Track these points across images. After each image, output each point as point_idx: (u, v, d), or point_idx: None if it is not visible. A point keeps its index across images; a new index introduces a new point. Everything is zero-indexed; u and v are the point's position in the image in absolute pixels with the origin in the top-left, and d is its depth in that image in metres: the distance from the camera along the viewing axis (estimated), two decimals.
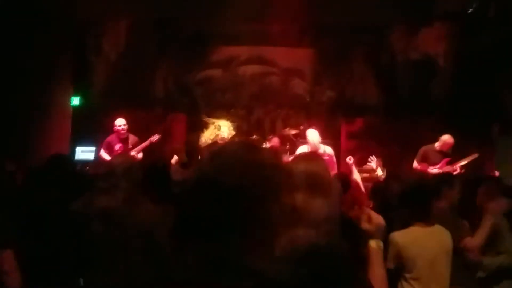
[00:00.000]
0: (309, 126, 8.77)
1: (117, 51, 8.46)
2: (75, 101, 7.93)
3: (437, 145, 6.75)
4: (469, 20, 7.07)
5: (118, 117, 6.94)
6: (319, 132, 8.63)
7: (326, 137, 8.63)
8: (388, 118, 8.66)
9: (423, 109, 8.23)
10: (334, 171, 6.96)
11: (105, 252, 2.57)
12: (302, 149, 6.74)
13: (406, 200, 2.94)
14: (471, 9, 6.69)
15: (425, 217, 2.82)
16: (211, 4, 7.84)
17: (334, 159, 6.72)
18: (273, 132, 8.95)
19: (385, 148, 8.38)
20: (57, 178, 3.15)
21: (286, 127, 8.69)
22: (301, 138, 8.24)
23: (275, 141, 7.50)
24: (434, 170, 6.58)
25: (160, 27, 8.64)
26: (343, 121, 8.92)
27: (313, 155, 2.41)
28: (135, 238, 2.56)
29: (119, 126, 6.87)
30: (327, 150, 6.62)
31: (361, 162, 8.34)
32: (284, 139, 7.99)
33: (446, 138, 6.65)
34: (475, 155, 6.53)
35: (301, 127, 8.53)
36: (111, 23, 8.32)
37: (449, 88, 8.03)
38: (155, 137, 7.04)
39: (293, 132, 8.31)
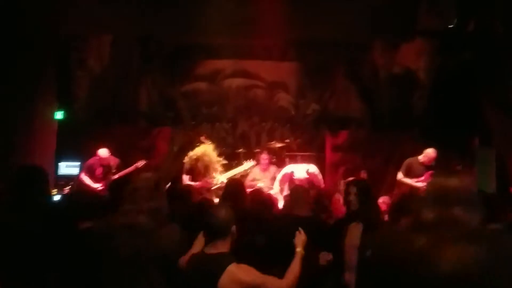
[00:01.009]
0: (295, 140, 8.91)
1: (101, 65, 8.43)
2: (59, 115, 7.85)
3: (420, 157, 6.90)
4: (449, 36, 7.26)
5: (101, 144, 6.94)
6: (304, 145, 8.84)
7: (311, 150, 8.75)
8: (372, 131, 8.80)
9: (405, 122, 8.39)
10: (321, 186, 7.07)
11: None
12: (286, 169, 6.88)
13: None
14: (450, 26, 6.87)
15: None
16: (196, 19, 7.89)
17: (319, 176, 6.83)
18: (259, 145, 9.00)
19: (369, 160, 8.51)
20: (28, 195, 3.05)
21: (271, 140, 8.75)
22: (287, 151, 8.33)
23: (264, 156, 7.52)
24: (418, 183, 6.72)
25: (144, 41, 8.66)
26: (327, 134, 9.02)
27: None
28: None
29: (102, 155, 6.89)
30: (310, 169, 6.73)
31: (345, 175, 8.46)
32: (270, 152, 8.05)
33: (430, 151, 6.81)
34: (458, 168, 6.69)
35: (287, 140, 8.62)
36: (95, 38, 8.30)
37: (430, 102, 8.21)
38: (141, 163, 7.05)
39: (279, 145, 8.37)
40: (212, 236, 2.56)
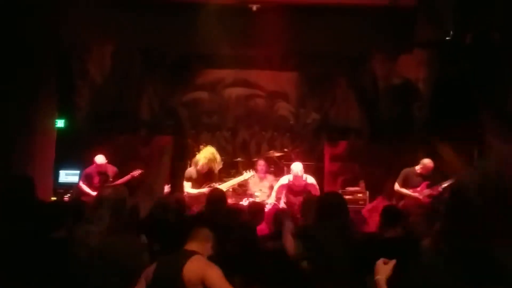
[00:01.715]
0: (294, 149, 8.94)
1: (102, 74, 8.53)
2: (60, 123, 7.95)
3: (417, 168, 6.91)
4: (447, 47, 7.28)
5: (99, 152, 7.03)
6: (303, 155, 8.85)
7: (310, 160, 8.78)
8: (371, 141, 8.82)
9: (404, 132, 8.40)
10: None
11: (85, 280, 2.60)
12: (284, 180, 6.88)
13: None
14: (448, 37, 6.90)
15: None
16: (197, 29, 7.97)
17: (317, 186, 6.84)
18: (258, 154, 9.04)
19: (368, 170, 8.52)
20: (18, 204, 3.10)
21: (271, 149, 8.80)
22: (286, 160, 8.36)
23: (261, 164, 7.58)
24: (415, 194, 6.73)
25: (146, 51, 8.74)
26: (327, 143, 9.05)
27: None
28: (114, 269, 2.59)
29: (99, 163, 6.97)
30: (309, 180, 6.75)
31: (344, 184, 8.48)
32: (269, 161, 8.09)
33: (427, 162, 6.82)
34: (455, 180, 6.66)
35: (286, 150, 8.66)
36: (96, 47, 8.40)
37: (429, 112, 8.22)
38: (137, 172, 7.12)
39: (277, 154, 8.41)
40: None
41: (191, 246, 2.69)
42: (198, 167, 6.71)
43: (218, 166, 6.93)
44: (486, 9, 6.61)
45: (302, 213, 4.62)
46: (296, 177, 6.60)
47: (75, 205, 3.81)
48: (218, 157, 6.96)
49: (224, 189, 6.79)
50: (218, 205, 4.08)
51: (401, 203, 6.91)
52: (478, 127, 7.78)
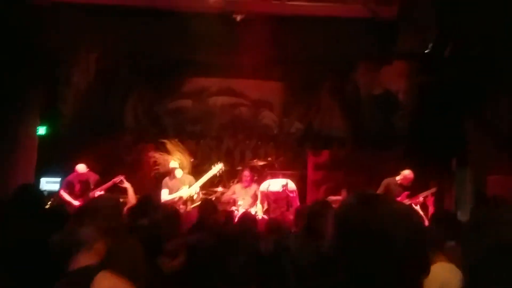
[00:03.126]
0: (277, 158, 9.00)
1: (86, 81, 8.50)
2: (41, 130, 7.90)
3: (398, 178, 7.01)
4: (428, 58, 7.42)
5: (80, 160, 7.04)
6: (287, 163, 8.92)
7: (294, 168, 8.84)
8: (354, 150, 8.91)
9: (387, 141, 8.51)
10: (295, 204, 7.15)
11: None
12: (265, 184, 6.97)
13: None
14: (429, 49, 7.04)
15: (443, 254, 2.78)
16: (182, 36, 8.01)
17: (295, 193, 6.93)
18: (242, 162, 9.07)
19: (350, 179, 8.59)
20: (25, 210, 3.14)
21: (255, 158, 8.84)
22: (269, 169, 8.41)
23: (245, 174, 7.62)
24: None
25: (131, 59, 8.75)
26: (310, 152, 9.12)
27: None
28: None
29: (80, 171, 6.97)
30: (289, 185, 6.83)
31: (327, 193, 8.55)
32: (253, 170, 8.12)
33: (407, 173, 6.92)
34: (433, 190, 6.79)
35: (269, 159, 8.71)
36: (81, 53, 8.38)
37: (410, 122, 8.35)
38: (118, 178, 7.12)
39: (261, 163, 8.45)
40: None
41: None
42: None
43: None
44: (465, 22, 6.76)
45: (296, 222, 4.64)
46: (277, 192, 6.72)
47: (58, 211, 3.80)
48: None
49: (197, 189, 6.99)
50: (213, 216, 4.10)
51: None
52: (458, 137, 7.94)
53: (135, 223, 3.49)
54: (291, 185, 6.85)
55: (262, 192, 6.95)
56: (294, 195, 6.83)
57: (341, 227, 1.27)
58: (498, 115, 7.11)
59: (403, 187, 6.95)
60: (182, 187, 7.18)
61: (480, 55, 7.12)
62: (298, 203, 6.76)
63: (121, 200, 5.78)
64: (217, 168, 7.48)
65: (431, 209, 6.42)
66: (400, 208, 1.26)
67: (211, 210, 4.42)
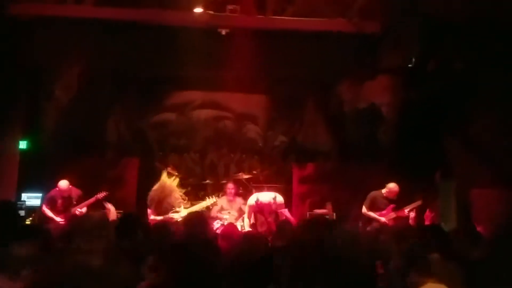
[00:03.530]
0: (262, 171, 8.99)
1: (69, 95, 8.37)
2: (23, 145, 7.73)
3: (384, 191, 7.07)
4: (410, 73, 7.56)
5: (63, 175, 6.91)
6: (271, 177, 8.91)
7: (279, 182, 8.83)
8: (339, 163, 8.95)
9: (371, 155, 8.58)
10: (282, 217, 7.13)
11: None
12: (251, 200, 6.94)
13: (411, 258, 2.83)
14: (411, 64, 7.17)
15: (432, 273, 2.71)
16: (166, 50, 7.98)
17: (283, 205, 6.92)
18: (227, 176, 9.03)
19: (335, 192, 8.63)
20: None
21: (239, 171, 8.80)
22: (254, 182, 8.38)
23: (230, 187, 7.58)
24: (381, 217, 6.87)
25: (114, 72, 8.66)
26: (295, 165, 9.13)
27: None
28: None
29: (62, 188, 6.84)
30: (277, 199, 6.81)
31: (312, 206, 8.57)
32: (237, 183, 8.09)
33: (392, 186, 6.99)
34: (419, 202, 6.88)
35: (254, 172, 8.69)
36: (64, 68, 8.26)
37: (394, 136, 8.44)
38: (101, 194, 7.02)
39: (246, 176, 8.42)
40: None
41: None
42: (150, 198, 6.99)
43: (175, 197, 7.11)
44: (447, 38, 6.91)
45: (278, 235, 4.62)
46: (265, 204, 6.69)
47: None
48: (174, 188, 7.17)
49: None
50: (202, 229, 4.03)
51: (360, 224, 7.04)
52: (441, 151, 8.06)
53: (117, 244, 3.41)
54: (280, 199, 6.83)
55: (250, 206, 6.90)
56: (284, 208, 6.81)
57: (295, 248, 1.30)
58: (480, 128, 7.24)
59: (388, 200, 7.01)
60: (172, 208, 6.99)
61: (462, 70, 7.29)
62: (288, 216, 6.74)
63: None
64: (211, 201, 7.39)
65: (411, 222, 6.51)
66: (348, 231, 1.28)
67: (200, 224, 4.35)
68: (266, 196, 6.82)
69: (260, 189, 8.24)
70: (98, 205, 7.04)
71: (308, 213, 8.21)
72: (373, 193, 7.15)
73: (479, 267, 3.20)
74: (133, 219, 4.39)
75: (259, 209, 6.86)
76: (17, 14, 6.99)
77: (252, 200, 6.94)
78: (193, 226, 4.30)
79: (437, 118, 7.95)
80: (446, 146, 7.91)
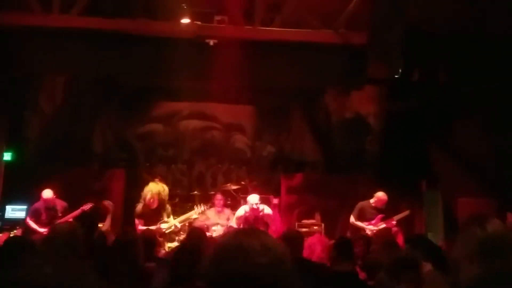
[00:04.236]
0: (250, 181, 8.96)
1: (53, 105, 8.28)
2: (7, 156, 7.61)
3: (372, 201, 7.09)
4: (396, 83, 7.64)
5: (47, 186, 6.79)
6: (260, 187, 8.88)
7: (267, 192, 8.81)
8: (326, 173, 8.99)
9: (358, 165, 8.63)
10: (274, 227, 7.12)
11: None
12: (240, 211, 6.90)
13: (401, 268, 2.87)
14: (397, 75, 7.24)
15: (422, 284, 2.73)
16: (153, 61, 7.94)
17: (273, 216, 6.90)
18: (215, 187, 8.99)
19: (323, 202, 8.64)
20: None
21: (227, 182, 8.77)
22: (243, 193, 8.35)
23: (218, 198, 7.54)
24: (369, 226, 6.88)
25: (100, 82, 8.59)
26: (283, 175, 9.13)
27: None
28: None
29: (46, 197, 6.72)
30: (266, 210, 6.81)
31: (300, 217, 8.56)
32: (226, 194, 8.05)
33: (380, 195, 7.02)
34: (407, 212, 6.91)
35: (242, 182, 8.66)
36: (48, 77, 8.18)
37: (380, 146, 8.52)
38: (87, 206, 6.92)
39: (234, 187, 8.40)
40: None
41: None
42: (146, 201, 6.69)
43: (166, 198, 6.97)
44: (432, 49, 7.01)
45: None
46: (252, 209, 6.65)
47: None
48: (166, 189, 6.95)
49: (178, 224, 6.81)
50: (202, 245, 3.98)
51: (348, 234, 7.04)
52: (427, 160, 8.15)
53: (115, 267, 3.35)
54: (268, 211, 6.83)
55: (238, 218, 6.87)
56: (271, 215, 6.82)
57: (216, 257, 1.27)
58: (465, 138, 7.34)
59: (377, 209, 7.03)
60: (160, 218, 6.89)
61: (446, 81, 7.40)
62: (277, 224, 6.74)
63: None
64: (200, 209, 7.33)
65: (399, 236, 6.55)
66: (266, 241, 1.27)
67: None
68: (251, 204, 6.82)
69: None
70: (84, 217, 6.94)
71: (296, 223, 8.19)
72: (361, 203, 7.18)
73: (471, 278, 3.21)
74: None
75: (247, 220, 6.84)
76: (1, 24, 6.89)
77: (240, 212, 6.92)
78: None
79: (422, 128, 8.05)
80: (431, 156, 8.00)
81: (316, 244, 4.93)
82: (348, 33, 7.43)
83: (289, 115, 9.44)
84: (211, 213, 7.51)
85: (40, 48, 7.19)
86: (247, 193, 8.48)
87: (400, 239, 6.38)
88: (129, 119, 9.22)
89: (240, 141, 9.60)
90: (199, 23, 7.31)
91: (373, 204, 7.07)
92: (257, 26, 7.52)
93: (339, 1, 7.09)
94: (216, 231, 7.10)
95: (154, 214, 6.82)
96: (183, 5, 7.06)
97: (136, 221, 6.80)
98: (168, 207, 7.06)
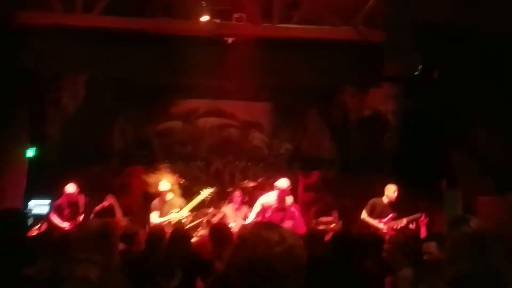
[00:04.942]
0: (267, 179, 8.98)
1: (75, 103, 8.42)
2: (30, 153, 7.79)
3: (384, 198, 7.03)
4: (414, 81, 7.58)
5: (69, 181, 6.93)
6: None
7: None
8: (343, 172, 8.97)
9: (375, 163, 8.59)
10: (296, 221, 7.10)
11: None
12: (266, 199, 6.90)
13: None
14: (415, 72, 7.19)
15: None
16: (171, 59, 8.03)
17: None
18: (232, 184, 9.04)
19: (340, 200, 8.63)
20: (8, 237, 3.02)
21: (244, 179, 8.81)
22: (260, 190, 8.38)
23: (236, 194, 7.60)
24: (380, 225, 6.84)
25: (119, 81, 8.71)
26: (300, 173, 9.14)
27: None
28: None
29: (69, 192, 6.87)
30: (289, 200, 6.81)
31: (317, 214, 8.56)
32: (243, 191, 8.10)
33: (391, 188, 6.96)
34: (419, 215, 6.77)
35: (259, 180, 8.69)
36: (69, 77, 8.33)
37: (399, 144, 8.46)
38: (107, 202, 7.05)
39: (251, 184, 8.43)
40: None
41: None
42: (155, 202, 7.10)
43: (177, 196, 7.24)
44: (452, 48, 6.95)
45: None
46: (283, 191, 6.56)
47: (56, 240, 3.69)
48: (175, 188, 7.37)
49: (187, 213, 6.92)
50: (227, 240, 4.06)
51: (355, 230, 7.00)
52: (446, 159, 8.06)
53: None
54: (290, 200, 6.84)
55: (265, 203, 6.82)
56: (293, 209, 6.79)
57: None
58: (485, 136, 7.26)
59: (391, 207, 6.97)
60: (172, 210, 7.07)
61: (465, 79, 7.32)
62: (297, 219, 6.74)
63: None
64: (206, 192, 7.42)
65: (423, 231, 6.46)
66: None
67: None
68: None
69: None
70: (105, 213, 7.07)
71: (313, 221, 8.20)
72: (374, 200, 7.12)
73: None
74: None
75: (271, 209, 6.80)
76: (23, 23, 7.05)
77: (266, 199, 6.83)
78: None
79: (441, 126, 7.96)
80: (451, 154, 7.91)
81: None
82: (367, 30, 7.40)
83: (307, 112, 9.44)
84: (229, 210, 7.57)
85: (61, 46, 7.32)
86: (264, 190, 8.51)
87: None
88: (148, 117, 9.33)
89: (258, 138, 9.63)
90: (218, 21, 7.36)
91: (385, 202, 7.02)
92: (275, 24, 7.55)
93: None
94: (233, 229, 7.13)
95: (168, 207, 7.02)
96: (203, 3, 7.11)
97: (151, 214, 6.99)
98: (180, 200, 7.21)
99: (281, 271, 1.31)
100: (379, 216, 6.97)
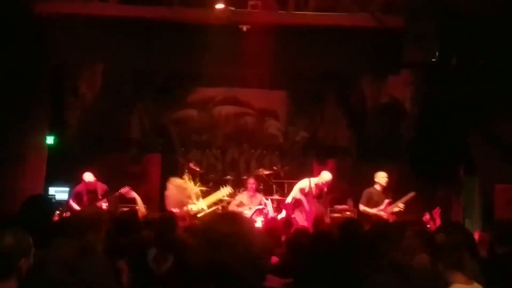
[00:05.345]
0: (283, 167, 9.00)
1: (93, 92, 8.53)
2: (50, 140, 7.94)
3: (377, 186, 7.01)
4: (433, 68, 7.47)
5: (88, 169, 7.02)
6: (292, 173, 8.91)
7: (299, 178, 8.82)
8: (359, 160, 8.91)
9: (392, 151, 8.51)
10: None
11: None
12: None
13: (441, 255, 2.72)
14: (434, 59, 7.08)
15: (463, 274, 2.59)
16: (188, 48, 8.06)
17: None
18: (248, 172, 9.09)
19: (356, 189, 8.57)
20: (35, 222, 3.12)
21: (260, 167, 8.85)
22: (275, 178, 8.41)
23: (251, 182, 7.64)
24: (381, 212, 6.82)
25: (137, 70, 8.79)
26: (315, 161, 9.13)
27: None
28: None
29: (88, 181, 6.97)
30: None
31: (333, 202, 8.54)
32: (258, 179, 8.13)
33: (380, 175, 6.96)
34: (412, 194, 6.77)
35: (275, 168, 8.72)
36: (87, 65, 8.43)
37: (416, 131, 8.36)
38: (125, 189, 7.11)
39: (266, 172, 8.45)
40: None
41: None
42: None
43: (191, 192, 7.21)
44: (471, 34, 6.82)
45: None
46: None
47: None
48: (190, 185, 7.31)
49: (204, 207, 6.96)
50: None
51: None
52: (464, 146, 7.96)
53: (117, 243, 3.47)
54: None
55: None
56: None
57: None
58: (503, 124, 7.14)
59: (384, 194, 6.95)
60: (190, 196, 7.11)
61: (485, 65, 7.18)
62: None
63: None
64: (226, 191, 7.45)
65: (438, 221, 6.40)
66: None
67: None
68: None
69: (280, 185, 8.31)
70: (122, 200, 7.17)
71: (328, 209, 8.19)
72: (368, 190, 7.07)
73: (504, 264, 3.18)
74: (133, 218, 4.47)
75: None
76: (43, 12, 7.14)
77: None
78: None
79: (459, 113, 7.85)
80: (469, 142, 7.81)
81: None
82: (384, 17, 7.30)
83: (323, 100, 9.40)
84: (244, 197, 7.61)
85: (79, 35, 7.40)
86: (280, 178, 8.55)
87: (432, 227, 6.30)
88: (165, 105, 9.41)
89: (273, 126, 9.64)
90: (233, 8, 7.34)
91: (379, 189, 7.00)
92: (290, 11, 7.50)
93: None
94: (247, 215, 7.19)
95: (183, 197, 7.09)
96: None
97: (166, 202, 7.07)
98: (198, 190, 7.25)
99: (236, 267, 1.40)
100: (376, 204, 6.94)
